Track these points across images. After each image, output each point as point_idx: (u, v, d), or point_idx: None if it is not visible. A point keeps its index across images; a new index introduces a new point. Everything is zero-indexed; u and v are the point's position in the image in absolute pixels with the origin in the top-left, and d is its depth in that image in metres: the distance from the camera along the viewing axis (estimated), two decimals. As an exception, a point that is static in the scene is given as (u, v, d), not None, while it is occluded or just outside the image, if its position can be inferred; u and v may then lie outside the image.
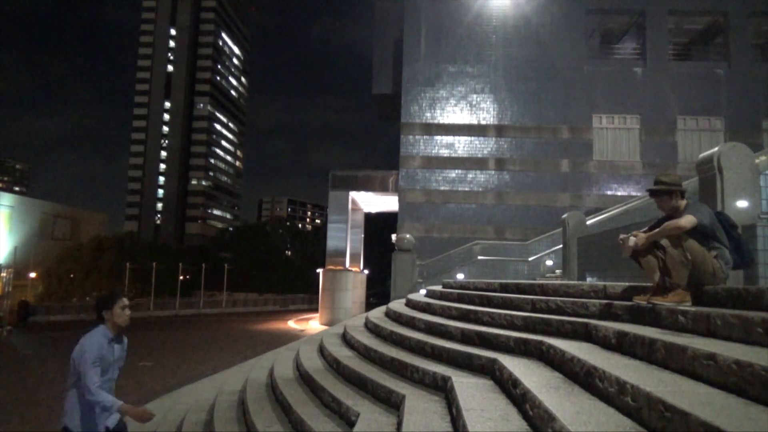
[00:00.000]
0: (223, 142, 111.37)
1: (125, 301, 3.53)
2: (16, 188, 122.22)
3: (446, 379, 3.61)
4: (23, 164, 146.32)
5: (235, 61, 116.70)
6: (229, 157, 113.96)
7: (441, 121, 22.11)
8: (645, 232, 3.53)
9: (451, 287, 7.23)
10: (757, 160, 5.55)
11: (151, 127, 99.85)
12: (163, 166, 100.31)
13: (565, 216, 10.60)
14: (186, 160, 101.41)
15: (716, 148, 5.61)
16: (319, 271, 25.62)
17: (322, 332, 9.08)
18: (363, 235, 29.49)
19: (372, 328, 6.65)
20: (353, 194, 25.61)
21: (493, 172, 21.61)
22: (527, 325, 4.21)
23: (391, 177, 23.91)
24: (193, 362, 13.00)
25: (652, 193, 3.67)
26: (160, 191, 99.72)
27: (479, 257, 16.91)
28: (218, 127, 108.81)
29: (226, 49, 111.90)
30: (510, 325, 4.39)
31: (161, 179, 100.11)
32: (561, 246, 11.56)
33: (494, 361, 3.57)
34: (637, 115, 21.57)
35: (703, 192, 5.72)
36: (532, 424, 2.50)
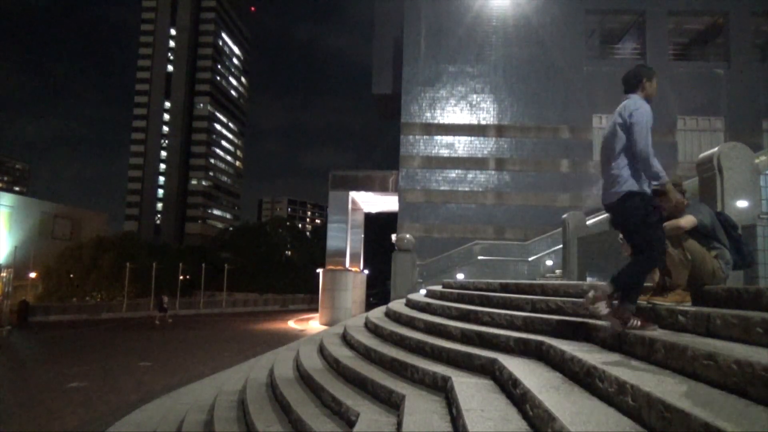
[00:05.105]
0: (223, 142, 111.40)
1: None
2: (16, 188, 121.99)
3: (446, 379, 3.60)
4: (23, 164, 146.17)
5: (235, 61, 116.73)
6: (229, 157, 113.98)
7: (441, 121, 22.11)
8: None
9: (451, 287, 7.23)
10: (757, 160, 5.55)
11: (151, 127, 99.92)
12: (163, 166, 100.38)
13: (565, 216, 10.60)
14: (186, 160, 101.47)
15: (716, 148, 5.61)
16: (319, 271, 25.61)
17: (322, 332, 9.08)
18: (363, 235, 29.50)
19: (372, 328, 6.64)
20: (353, 194, 25.62)
21: (493, 172, 21.61)
22: (527, 325, 4.21)
23: (391, 177, 23.92)
24: (193, 362, 13.00)
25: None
26: (160, 191, 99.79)
27: (479, 257, 16.92)
28: (218, 127, 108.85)
29: (226, 49, 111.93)
30: (510, 325, 4.39)
31: (161, 179, 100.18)
32: (561, 246, 11.56)
33: (494, 361, 3.57)
34: (637, 115, 21.54)
35: (703, 192, 5.72)
36: (532, 424, 2.50)
